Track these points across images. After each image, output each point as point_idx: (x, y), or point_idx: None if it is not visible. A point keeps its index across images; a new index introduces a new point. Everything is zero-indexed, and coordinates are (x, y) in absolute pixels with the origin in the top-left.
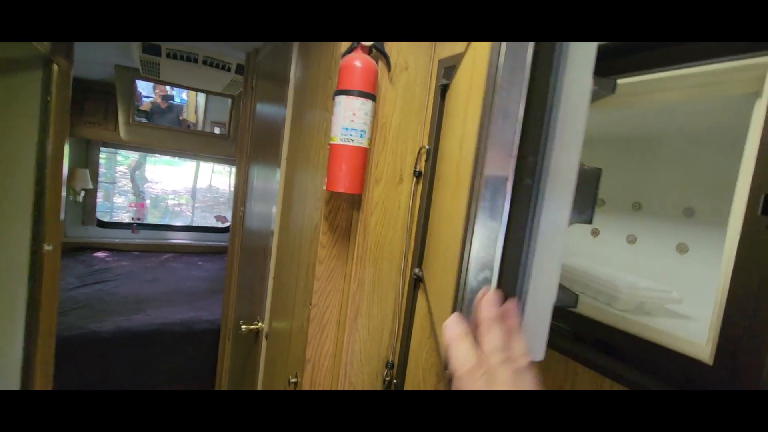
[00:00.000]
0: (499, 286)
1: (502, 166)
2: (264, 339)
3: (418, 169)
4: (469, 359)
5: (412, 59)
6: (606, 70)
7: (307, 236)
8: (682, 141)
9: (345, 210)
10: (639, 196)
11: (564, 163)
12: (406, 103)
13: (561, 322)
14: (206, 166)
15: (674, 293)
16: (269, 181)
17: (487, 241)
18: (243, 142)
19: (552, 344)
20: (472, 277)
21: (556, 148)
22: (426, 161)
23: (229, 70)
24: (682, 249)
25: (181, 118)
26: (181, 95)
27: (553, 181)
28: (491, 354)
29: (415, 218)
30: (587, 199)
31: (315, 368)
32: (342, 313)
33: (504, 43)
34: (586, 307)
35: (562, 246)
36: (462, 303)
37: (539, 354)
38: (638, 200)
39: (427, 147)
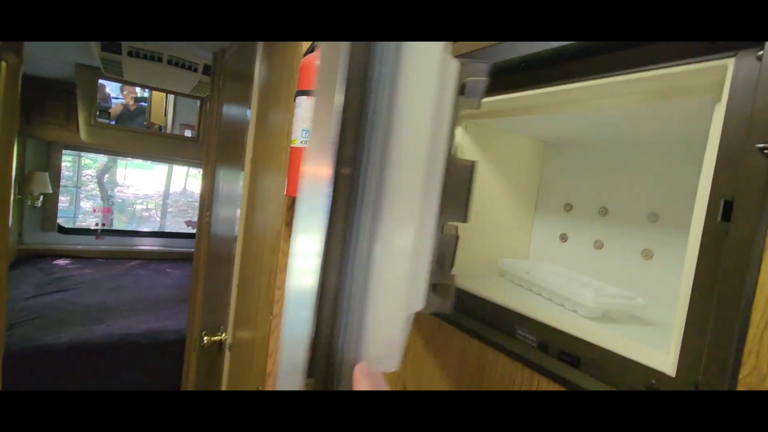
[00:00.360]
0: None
1: (321, 159)
2: (227, 350)
3: None
4: None
5: None
6: (566, 73)
7: (269, 243)
8: (647, 146)
9: None
10: (606, 201)
11: (412, 153)
12: None
13: (525, 331)
14: (180, 170)
15: (639, 299)
16: (234, 184)
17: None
18: (209, 145)
19: (517, 357)
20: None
21: (394, 136)
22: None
23: (195, 70)
24: (647, 254)
25: (145, 122)
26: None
27: (396, 174)
28: None
29: None
30: (460, 197)
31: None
32: None
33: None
34: (552, 314)
35: (425, 247)
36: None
37: (392, 364)
38: (605, 205)
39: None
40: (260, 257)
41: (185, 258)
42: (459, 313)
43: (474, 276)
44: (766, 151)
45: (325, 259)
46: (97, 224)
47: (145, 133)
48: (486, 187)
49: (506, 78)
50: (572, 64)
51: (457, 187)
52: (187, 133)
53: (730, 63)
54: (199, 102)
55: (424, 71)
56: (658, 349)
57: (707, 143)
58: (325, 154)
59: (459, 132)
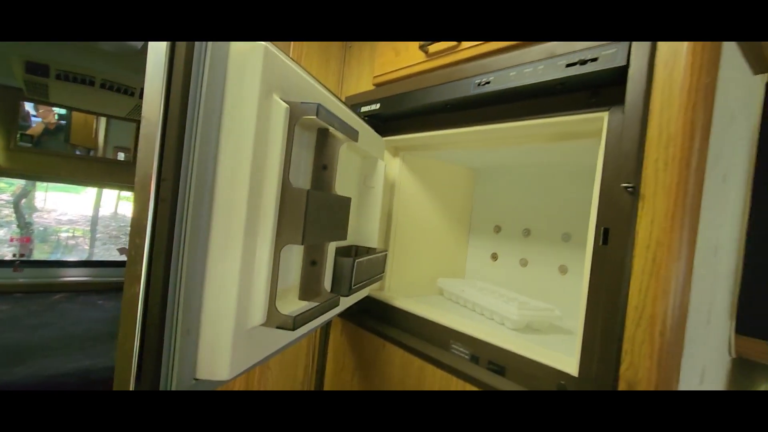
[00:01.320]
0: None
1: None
2: None
3: None
4: None
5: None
6: (483, 115)
7: None
8: (559, 173)
9: None
10: (529, 222)
11: (229, 180)
12: None
13: (459, 346)
14: (111, 193)
15: (557, 311)
16: None
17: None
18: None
19: (451, 369)
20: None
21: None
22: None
23: (132, 94)
24: (563, 270)
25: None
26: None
27: (220, 199)
28: None
29: None
30: (296, 221)
31: None
32: None
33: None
34: (482, 328)
35: (261, 267)
36: None
37: (225, 373)
38: (528, 226)
39: None
40: None
41: (118, 288)
42: (401, 331)
43: (415, 296)
44: (629, 189)
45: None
46: (14, 255)
47: (73, 157)
48: (424, 211)
49: (434, 117)
50: (488, 109)
51: (293, 214)
52: (121, 156)
53: (605, 115)
54: (136, 125)
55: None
56: (567, 354)
57: (595, 177)
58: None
59: (397, 162)
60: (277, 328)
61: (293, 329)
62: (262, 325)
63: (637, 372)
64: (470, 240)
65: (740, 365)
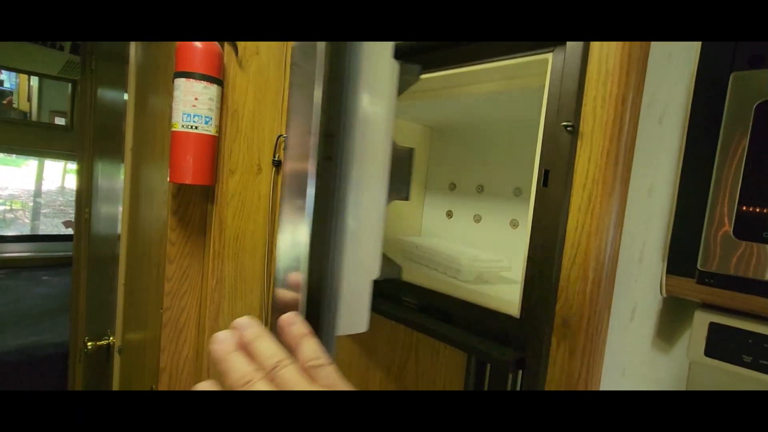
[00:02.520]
0: (310, 267)
1: (303, 144)
2: (117, 354)
3: (277, 159)
4: (245, 369)
5: (264, 43)
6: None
7: (156, 235)
8: (509, 129)
9: (197, 204)
10: (482, 179)
11: (372, 141)
12: (260, 90)
13: (409, 297)
14: (55, 165)
15: (505, 261)
16: (115, 177)
17: (293, 225)
18: (85, 135)
19: (400, 318)
20: (282, 264)
21: (360, 126)
22: (285, 150)
23: (62, 49)
24: (514, 224)
25: (5, 102)
26: (11, 79)
27: (361, 160)
28: (268, 359)
29: (277, 208)
30: (403, 178)
31: (172, 377)
32: (201, 315)
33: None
34: (433, 281)
35: (380, 222)
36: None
37: (363, 326)
38: (481, 183)
39: (285, 136)
40: (147, 251)
41: (65, 263)
42: None
43: None
44: (569, 128)
45: (313, 244)
46: None
47: (4, 122)
48: None
49: None
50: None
51: (400, 170)
52: (59, 121)
53: (549, 56)
54: (70, 85)
55: (380, 70)
56: (511, 298)
57: (540, 122)
58: (306, 146)
59: None
60: (386, 279)
61: (399, 277)
62: (376, 279)
63: (571, 308)
64: (426, 199)
65: (670, 303)
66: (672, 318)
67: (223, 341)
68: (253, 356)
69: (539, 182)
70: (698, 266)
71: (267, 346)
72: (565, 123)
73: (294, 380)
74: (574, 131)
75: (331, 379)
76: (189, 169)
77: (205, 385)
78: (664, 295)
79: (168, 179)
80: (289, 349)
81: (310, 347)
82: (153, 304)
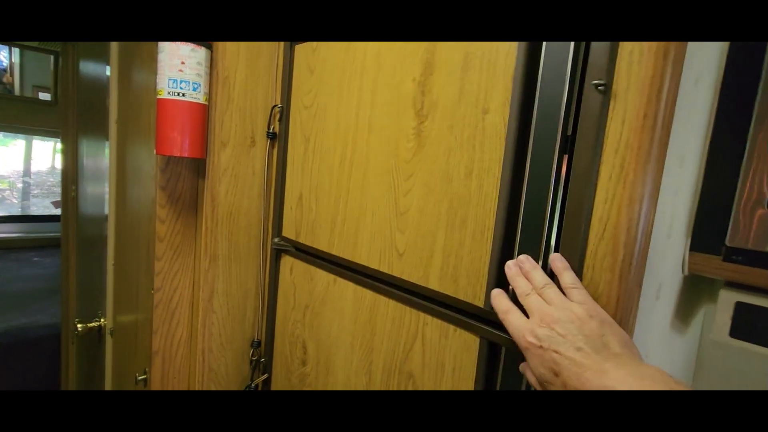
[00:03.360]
0: None
1: None
2: (109, 336)
3: (272, 130)
4: (525, 287)
5: None
6: None
7: (145, 213)
8: None
9: (187, 178)
10: None
11: None
12: (252, 56)
13: None
14: (44, 145)
15: None
16: (100, 156)
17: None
18: (68, 110)
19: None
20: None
21: None
22: (280, 121)
23: None
24: None
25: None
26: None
27: None
28: (538, 283)
29: (273, 184)
30: None
31: (165, 360)
32: (195, 295)
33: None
34: None
35: None
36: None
37: None
38: None
39: (280, 105)
40: (136, 229)
41: (56, 244)
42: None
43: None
44: (600, 87)
45: None
46: None
47: None
48: None
49: None
50: None
51: None
52: (44, 96)
53: None
54: (52, 58)
55: None
56: None
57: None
58: None
59: None
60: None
61: None
62: None
63: (597, 288)
64: None
65: (688, 282)
66: (689, 297)
67: (511, 268)
68: (528, 280)
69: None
70: (726, 242)
71: (538, 274)
72: (596, 82)
73: (555, 296)
74: (606, 90)
75: (583, 297)
76: (177, 140)
77: (497, 292)
78: (686, 273)
79: (155, 152)
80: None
81: (569, 275)
82: (144, 284)
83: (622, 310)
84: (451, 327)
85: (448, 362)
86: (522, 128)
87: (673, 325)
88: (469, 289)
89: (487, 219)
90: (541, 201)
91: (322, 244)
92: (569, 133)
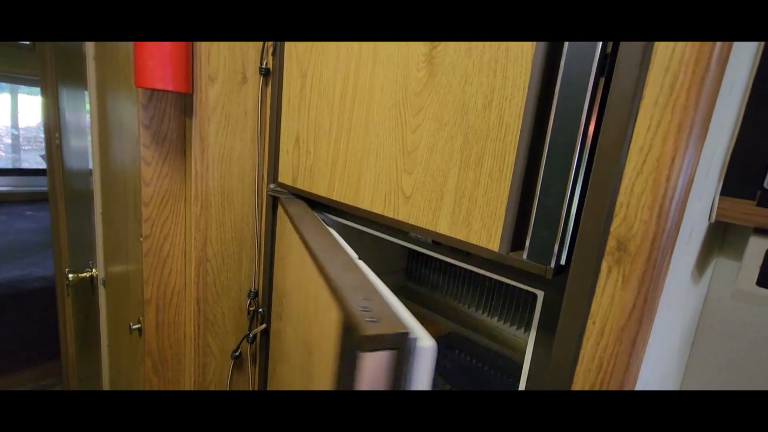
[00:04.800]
0: None
1: None
2: (101, 286)
3: (265, 66)
4: None
5: None
6: None
7: (129, 156)
8: None
9: (173, 116)
10: None
11: None
12: None
13: (420, 234)
14: (32, 99)
15: None
16: (81, 111)
17: None
18: (45, 53)
19: (419, 244)
20: None
21: None
22: (273, 55)
23: None
24: None
25: None
26: None
27: None
28: None
29: (267, 125)
30: None
31: (159, 309)
32: (187, 243)
33: None
34: None
35: None
36: None
37: None
38: None
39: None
40: (122, 175)
41: (48, 198)
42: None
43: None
44: None
45: None
46: None
47: None
48: None
49: None
50: None
51: None
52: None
53: None
54: None
55: None
56: None
57: None
58: None
59: None
60: None
61: None
62: None
63: (631, 227)
64: None
65: (710, 229)
66: (708, 246)
67: None
68: None
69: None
70: (765, 185)
71: None
72: None
73: None
74: None
75: None
76: (158, 70)
77: None
78: (712, 220)
79: (134, 84)
80: None
81: None
82: (132, 232)
83: (658, 255)
84: None
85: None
86: (552, 48)
87: (692, 275)
88: (483, 233)
89: (506, 155)
90: (570, 131)
91: (321, 189)
92: (608, 51)
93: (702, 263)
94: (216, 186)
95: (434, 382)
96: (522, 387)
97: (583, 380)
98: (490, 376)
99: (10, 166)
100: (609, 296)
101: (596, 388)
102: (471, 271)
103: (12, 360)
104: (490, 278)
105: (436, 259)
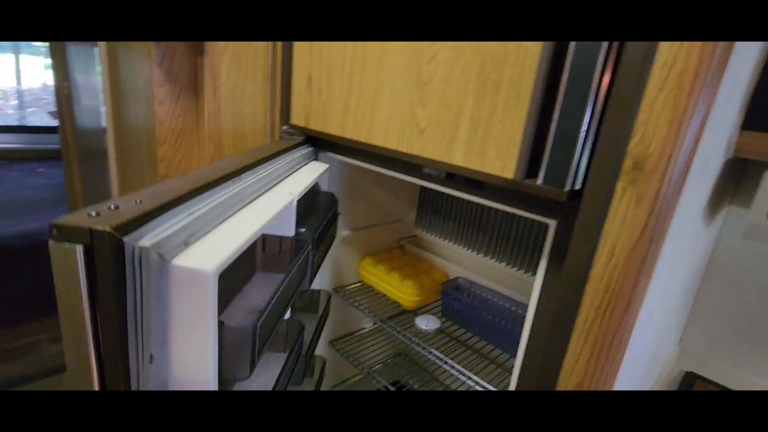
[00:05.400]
0: None
1: None
2: None
3: None
4: None
5: None
6: None
7: (141, 96)
8: None
9: (185, 54)
10: None
11: None
12: None
13: (433, 169)
14: (33, 60)
15: None
16: (90, 67)
17: None
18: None
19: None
20: None
21: None
22: None
23: None
24: None
25: None
26: None
27: None
28: None
29: (279, 66)
30: None
31: None
32: None
33: None
34: None
35: None
36: None
37: None
38: None
39: None
40: (135, 116)
41: (57, 156)
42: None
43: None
44: None
45: None
46: None
47: None
48: None
49: None
50: None
51: None
52: None
53: None
54: None
55: None
56: None
57: None
58: None
59: None
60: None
61: None
62: None
63: (648, 146)
64: None
65: (729, 171)
66: (721, 189)
67: None
68: None
69: None
70: None
71: None
72: None
73: None
74: None
75: None
76: None
77: None
78: (730, 156)
79: None
80: None
81: None
82: (149, 174)
83: (673, 174)
84: None
85: None
86: None
87: (704, 213)
88: (498, 162)
89: (524, 80)
90: (591, 50)
91: (334, 129)
92: None
93: (714, 205)
94: (228, 127)
95: (439, 323)
96: (529, 318)
97: (590, 301)
98: (495, 323)
99: (16, 123)
100: (621, 217)
101: (603, 308)
102: (479, 218)
103: (31, 309)
104: (498, 224)
105: (445, 206)
